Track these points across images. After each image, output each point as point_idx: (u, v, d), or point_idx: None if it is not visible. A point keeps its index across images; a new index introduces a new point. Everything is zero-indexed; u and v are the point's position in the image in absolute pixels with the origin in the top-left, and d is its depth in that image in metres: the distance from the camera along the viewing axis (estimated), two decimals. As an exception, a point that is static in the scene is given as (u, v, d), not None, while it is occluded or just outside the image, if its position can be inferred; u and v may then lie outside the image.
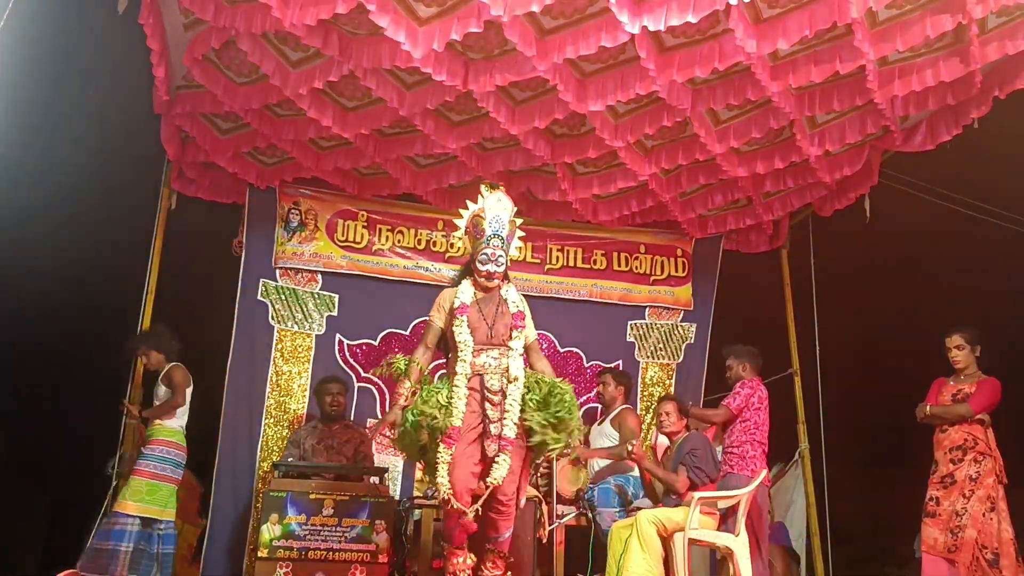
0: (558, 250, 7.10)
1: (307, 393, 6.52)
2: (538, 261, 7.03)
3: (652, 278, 7.21)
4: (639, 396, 7.00)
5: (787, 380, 6.95)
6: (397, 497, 5.90)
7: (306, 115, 5.53)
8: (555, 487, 5.28)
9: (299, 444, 5.96)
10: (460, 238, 4.49)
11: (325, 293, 6.71)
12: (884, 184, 6.30)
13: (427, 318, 4.41)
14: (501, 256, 4.28)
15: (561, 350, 7.01)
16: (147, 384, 5.97)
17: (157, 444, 5.51)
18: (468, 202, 4.42)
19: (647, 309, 7.20)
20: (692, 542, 4.74)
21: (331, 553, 5.08)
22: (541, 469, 5.41)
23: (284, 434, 6.39)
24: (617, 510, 5.52)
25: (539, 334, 5.99)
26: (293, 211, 6.69)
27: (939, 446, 5.15)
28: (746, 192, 6.45)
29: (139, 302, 6.18)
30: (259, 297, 6.58)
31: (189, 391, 5.66)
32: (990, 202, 6.55)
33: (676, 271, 7.24)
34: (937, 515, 5.04)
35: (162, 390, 5.65)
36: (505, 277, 4.39)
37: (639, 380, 7.04)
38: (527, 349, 4.33)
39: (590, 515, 5.52)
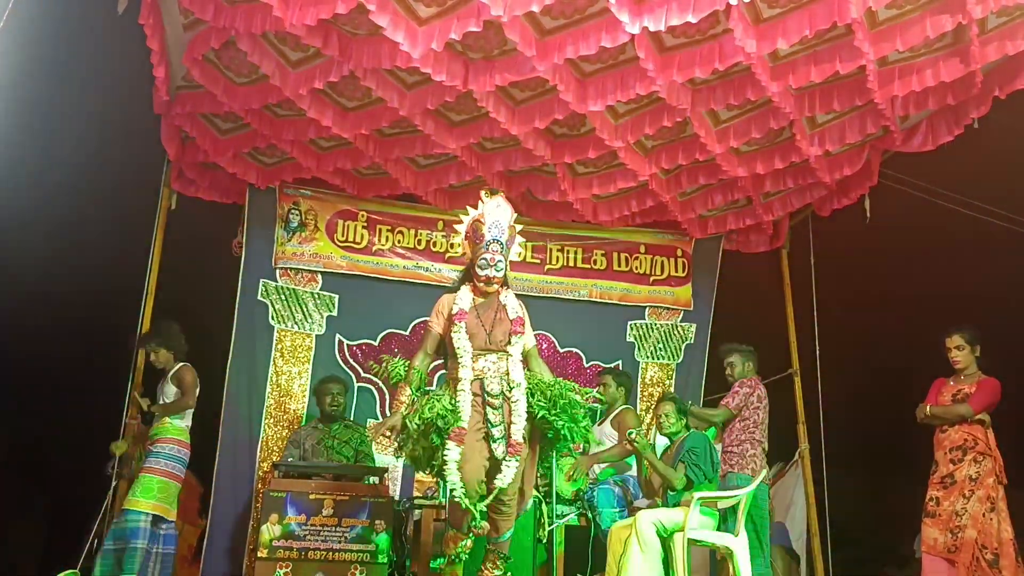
0: (558, 250, 7.10)
1: (307, 393, 6.52)
2: (538, 261, 7.03)
3: (652, 278, 7.21)
4: (639, 396, 7.00)
5: (787, 380, 6.95)
6: (397, 497, 5.90)
7: (306, 115, 5.53)
8: (555, 487, 5.27)
9: (299, 444, 5.96)
10: (460, 244, 4.48)
11: (325, 293, 6.72)
12: (884, 184, 6.30)
13: (426, 319, 4.41)
14: (500, 261, 4.26)
15: (561, 350, 7.02)
16: (147, 384, 5.96)
17: (167, 443, 5.49)
18: (468, 207, 4.42)
19: (647, 309, 7.20)
20: (692, 542, 4.73)
21: (331, 553, 5.07)
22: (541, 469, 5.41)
23: (284, 434, 6.39)
24: (617, 510, 5.51)
25: (539, 334, 6.02)
26: (293, 211, 6.69)
27: (939, 446, 5.16)
28: (746, 192, 6.45)
29: (139, 302, 6.18)
30: (259, 297, 6.58)
31: (196, 392, 5.66)
32: (990, 202, 6.54)
33: (676, 271, 7.24)
34: (937, 515, 5.05)
35: (171, 389, 5.61)
36: (504, 283, 4.37)
37: (639, 380, 7.04)
38: (526, 355, 4.31)
39: (590, 515, 5.52)
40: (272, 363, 6.54)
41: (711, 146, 5.65)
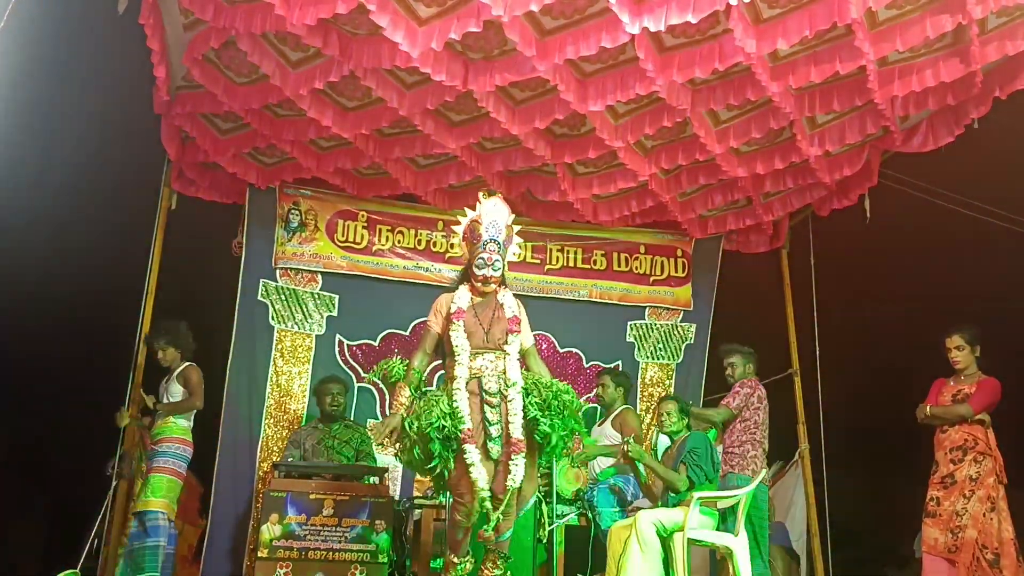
0: (558, 250, 7.10)
1: (307, 393, 6.52)
2: (538, 261, 7.04)
3: (652, 278, 7.21)
4: (639, 396, 7.00)
5: (787, 380, 6.95)
6: (397, 497, 5.90)
7: (306, 115, 5.53)
8: (555, 487, 5.28)
9: (299, 444, 5.96)
10: (458, 245, 4.48)
11: (325, 293, 6.72)
12: (884, 184, 6.30)
13: (426, 319, 4.41)
14: (497, 261, 4.27)
15: (561, 350, 7.02)
16: (148, 383, 5.96)
17: (174, 442, 5.48)
18: (466, 208, 4.42)
19: (647, 309, 7.20)
20: (691, 542, 4.73)
21: (331, 553, 5.08)
22: (541, 469, 5.41)
23: (284, 434, 6.39)
24: (617, 510, 5.52)
25: (539, 334, 6.02)
26: (293, 211, 6.69)
27: (939, 446, 5.16)
28: (746, 192, 6.45)
29: (139, 302, 6.18)
30: (259, 297, 6.58)
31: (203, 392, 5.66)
32: (990, 202, 6.54)
33: (676, 271, 7.24)
34: (938, 515, 5.04)
35: (177, 388, 5.59)
36: (502, 282, 4.38)
37: (639, 380, 7.04)
38: (524, 354, 4.32)
39: (590, 515, 5.52)
40: (272, 363, 6.54)
41: (711, 146, 5.65)
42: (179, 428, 5.53)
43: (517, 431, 4.08)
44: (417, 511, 5.47)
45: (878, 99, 5.08)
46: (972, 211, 6.51)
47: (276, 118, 5.86)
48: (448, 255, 6.82)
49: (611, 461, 5.88)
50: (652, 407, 6.83)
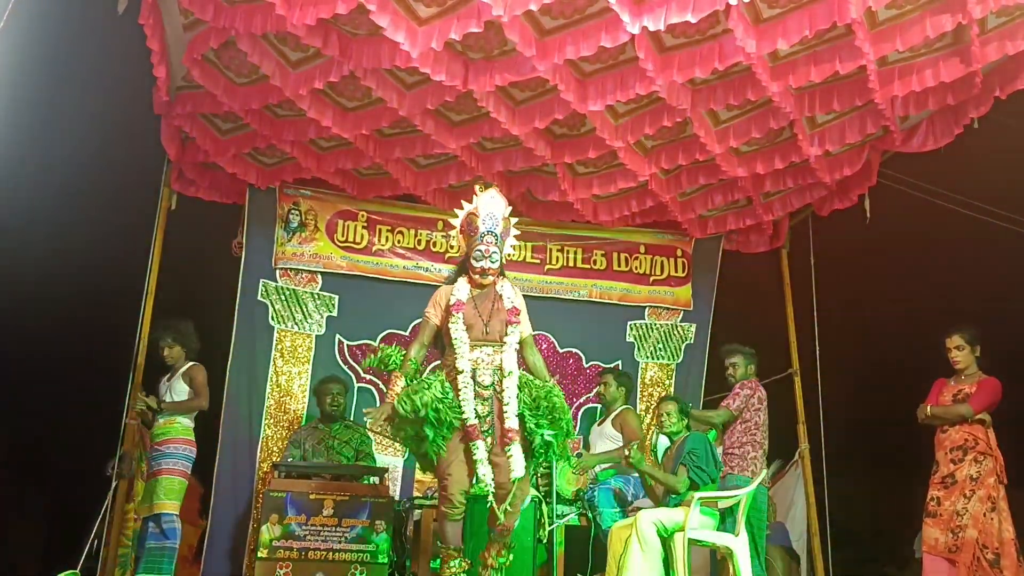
0: (558, 250, 7.10)
1: (307, 393, 6.52)
2: (538, 261, 7.04)
3: (652, 278, 7.21)
4: (639, 396, 7.00)
5: (787, 380, 6.95)
6: (397, 497, 5.90)
7: (306, 115, 5.53)
8: (555, 487, 5.28)
9: (299, 444, 5.96)
10: (455, 237, 4.49)
11: (325, 293, 6.72)
12: (884, 184, 6.30)
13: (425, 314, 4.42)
14: (495, 253, 4.29)
15: (560, 350, 7.02)
16: (148, 383, 5.95)
17: (179, 442, 5.47)
18: (463, 202, 4.43)
19: (647, 309, 7.20)
20: (692, 542, 4.73)
21: (331, 553, 5.08)
22: (541, 469, 5.41)
23: (284, 434, 6.39)
24: (617, 510, 5.52)
25: (539, 334, 6.01)
26: (293, 211, 6.69)
27: (940, 446, 5.16)
28: (746, 192, 6.45)
29: (139, 302, 6.18)
30: (259, 297, 6.58)
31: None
32: (990, 202, 6.55)
33: (676, 271, 7.24)
34: (938, 515, 5.04)
35: (181, 387, 5.57)
36: (501, 273, 4.39)
37: (639, 380, 7.03)
38: (521, 344, 4.33)
39: (590, 515, 5.52)
40: (272, 363, 6.54)
41: (711, 146, 5.65)
42: (183, 428, 5.52)
43: (511, 421, 4.11)
44: (417, 511, 5.47)
45: (878, 99, 5.08)
46: (972, 211, 6.52)
47: (276, 118, 5.86)
48: (448, 255, 6.82)
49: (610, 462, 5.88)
50: (652, 407, 6.82)
